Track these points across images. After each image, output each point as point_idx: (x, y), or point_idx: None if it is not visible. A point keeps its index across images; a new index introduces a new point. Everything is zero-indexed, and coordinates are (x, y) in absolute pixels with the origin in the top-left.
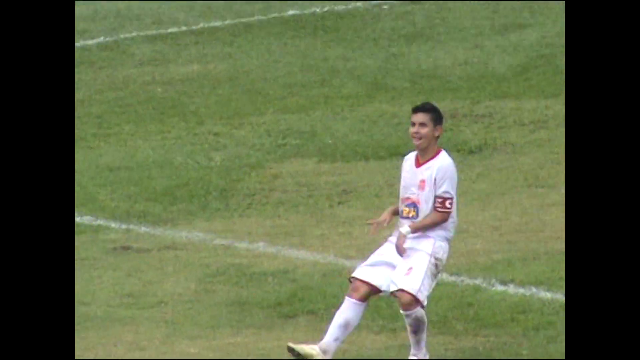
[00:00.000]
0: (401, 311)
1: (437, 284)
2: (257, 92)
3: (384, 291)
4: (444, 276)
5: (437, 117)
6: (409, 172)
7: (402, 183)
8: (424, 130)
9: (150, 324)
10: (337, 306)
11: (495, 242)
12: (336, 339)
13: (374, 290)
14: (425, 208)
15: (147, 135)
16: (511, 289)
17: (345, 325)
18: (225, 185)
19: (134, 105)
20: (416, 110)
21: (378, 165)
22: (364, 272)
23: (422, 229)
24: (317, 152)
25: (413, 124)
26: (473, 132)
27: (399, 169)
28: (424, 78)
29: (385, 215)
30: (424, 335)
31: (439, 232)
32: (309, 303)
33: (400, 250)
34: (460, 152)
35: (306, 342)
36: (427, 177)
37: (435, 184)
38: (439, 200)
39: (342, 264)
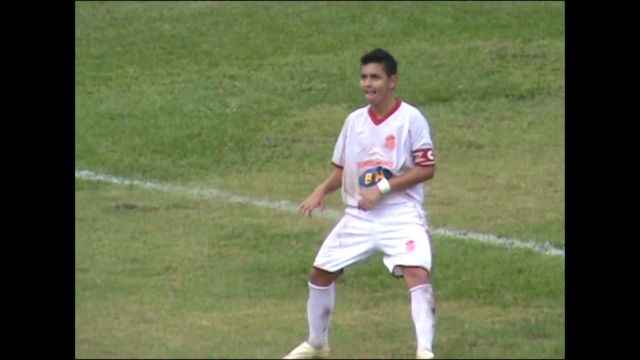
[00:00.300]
0: (415, 288)
1: (483, 248)
2: (279, 30)
3: (345, 268)
4: (491, 239)
5: (390, 65)
6: (366, 132)
7: (355, 146)
8: (377, 83)
9: (157, 293)
10: (368, 273)
11: (550, 199)
12: (324, 329)
13: (337, 274)
14: (397, 168)
15: (153, 78)
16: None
17: (326, 312)
18: (242, 135)
19: (139, 45)
20: (366, 60)
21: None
22: (323, 259)
23: (403, 186)
24: (347, 97)
25: (364, 77)
26: (524, 74)
27: (439, 116)
28: (468, 14)
29: (315, 198)
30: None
31: (416, 199)
32: None
33: (367, 207)
34: (509, 98)
35: (291, 348)
36: (395, 131)
37: (410, 136)
38: (420, 153)
39: None
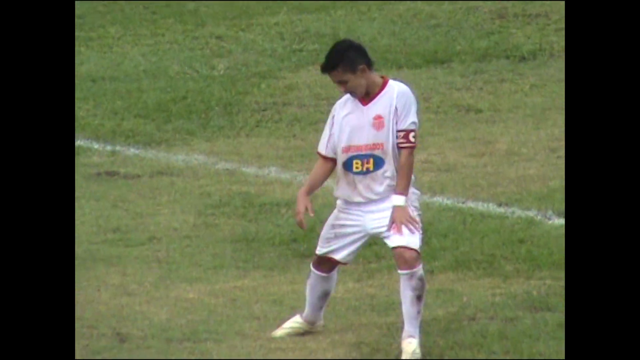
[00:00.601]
0: (403, 271)
1: (482, 217)
2: None
3: (346, 258)
4: (491, 207)
5: (350, 63)
6: (354, 113)
7: (343, 131)
8: (349, 84)
9: (141, 264)
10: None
11: (553, 166)
12: (321, 308)
13: (340, 263)
14: (390, 149)
15: (136, 39)
16: None
17: (325, 294)
18: (230, 98)
19: (121, 4)
20: (323, 71)
21: (412, 74)
22: (324, 249)
23: (409, 186)
24: None
25: (335, 83)
26: (526, 35)
27: (437, 78)
28: None
29: (301, 205)
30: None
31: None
32: None
33: (405, 223)
34: (510, 59)
35: (281, 322)
36: (383, 110)
37: (396, 114)
38: (402, 133)
39: None
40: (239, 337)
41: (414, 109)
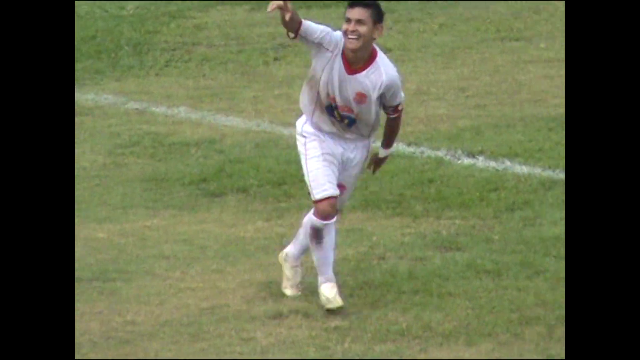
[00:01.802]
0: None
1: (392, 157)
2: None
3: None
4: (400, 147)
5: (378, 13)
6: (338, 72)
7: (332, 77)
8: (363, 29)
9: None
10: (272, 183)
11: (462, 106)
12: (333, 261)
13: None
14: (364, 120)
15: None
16: (480, 162)
17: (333, 247)
18: (139, 38)
19: None
20: (353, 4)
21: (321, 12)
22: (330, 186)
23: (394, 142)
24: None
25: (348, 20)
26: None
27: (342, 18)
28: None
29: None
30: None
31: (372, 134)
32: (239, 179)
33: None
34: (420, 0)
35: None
36: (366, 89)
37: (385, 97)
38: (392, 108)
39: (278, 132)
40: (148, 276)
41: (400, 90)
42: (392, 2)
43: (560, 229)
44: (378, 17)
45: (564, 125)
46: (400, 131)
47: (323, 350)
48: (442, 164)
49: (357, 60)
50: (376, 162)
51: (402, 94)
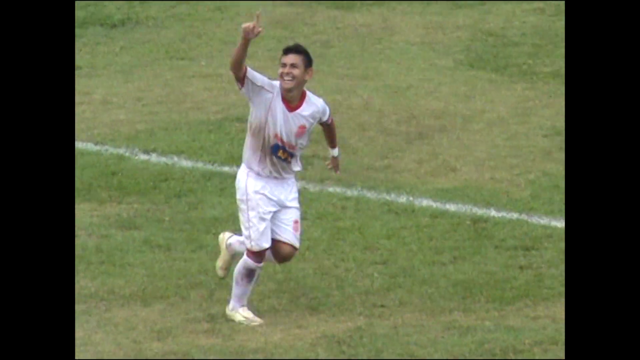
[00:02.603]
0: (278, 262)
1: (82, 154)
2: None
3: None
4: (89, 146)
5: (308, 59)
6: (281, 111)
7: (276, 118)
8: (296, 72)
9: None
10: None
11: (139, 112)
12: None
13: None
14: (300, 152)
15: None
16: (153, 158)
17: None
18: None
19: None
20: (287, 51)
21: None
22: (265, 238)
23: (336, 141)
24: None
25: (284, 65)
26: (117, 6)
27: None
28: None
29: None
30: None
31: (295, 173)
32: None
33: (337, 168)
34: (104, 27)
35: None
36: (306, 121)
37: (321, 118)
38: (327, 120)
39: None
40: None
41: (328, 108)
42: (81, 29)
43: (219, 212)
44: (308, 62)
45: (222, 128)
46: (88, 133)
47: None
48: (123, 160)
49: (293, 98)
50: (334, 162)
51: (328, 109)
